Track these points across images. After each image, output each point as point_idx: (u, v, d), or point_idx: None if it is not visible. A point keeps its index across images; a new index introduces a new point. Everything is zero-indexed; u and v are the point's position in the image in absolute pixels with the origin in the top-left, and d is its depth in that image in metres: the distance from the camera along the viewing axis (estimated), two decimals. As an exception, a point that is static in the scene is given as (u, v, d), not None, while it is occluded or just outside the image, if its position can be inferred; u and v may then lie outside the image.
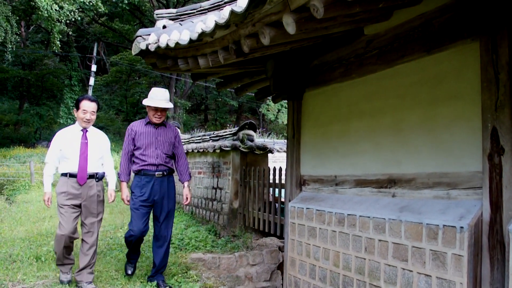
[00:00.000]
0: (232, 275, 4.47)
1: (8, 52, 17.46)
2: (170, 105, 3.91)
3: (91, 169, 3.60)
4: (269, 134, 19.24)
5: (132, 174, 3.94)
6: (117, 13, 24.90)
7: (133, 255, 3.96)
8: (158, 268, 3.85)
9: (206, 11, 3.84)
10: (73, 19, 18.10)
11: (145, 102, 3.86)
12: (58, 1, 15.50)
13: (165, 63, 3.85)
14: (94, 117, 3.68)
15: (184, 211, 7.43)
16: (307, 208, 3.71)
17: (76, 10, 16.85)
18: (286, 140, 4.44)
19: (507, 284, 2.09)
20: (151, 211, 3.88)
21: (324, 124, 3.76)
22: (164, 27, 3.90)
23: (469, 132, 2.42)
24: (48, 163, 3.66)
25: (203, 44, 3.17)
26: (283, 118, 21.81)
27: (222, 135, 6.30)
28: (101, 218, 3.74)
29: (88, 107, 3.63)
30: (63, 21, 16.66)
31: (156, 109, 3.83)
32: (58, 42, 17.60)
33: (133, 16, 26.21)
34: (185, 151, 5.98)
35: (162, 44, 3.41)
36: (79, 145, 3.59)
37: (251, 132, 5.82)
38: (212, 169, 6.38)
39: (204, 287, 4.10)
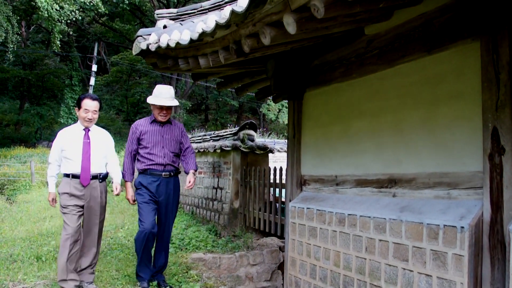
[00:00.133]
0: (232, 275, 4.47)
1: (9, 52, 17.49)
2: (176, 103, 3.84)
3: (94, 170, 3.52)
4: (270, 134, 19.25)
5: (136, 173, 3.88)
6: (117, 13, 24.90)
7: (144, 264, 3.71)
8: (158, 268, 3.85)
9: (207, 11, 3.83)
10: (74, 19, 18.10)
11: (150, 100, 3.79)
12: (58, 1, 15.51)
13: (165, 63, 3.85)
14: (96, 116, 3.59)
15: (184, 211, 7.43)
16: (307, 208, 3.71)
17: (77, 10, 16.85)
18: (286, 140, 4.44)
19: (508, 284, 2.09)
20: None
21: (325, 124, 3.76)
22: (164, 27, 3.90)
23: (470, 132, 2.42)
24: (51, 164, 3.60)
25: (203, 44, 3.17)
26: (284, 118, 21.81)
27: (223, 135, 6.30)
28: (104, 219, 3.67)
29: (90, 106, 3.54)
30: (63, 21, 16.66)
31: (161, 107, 3.78)
32: (58, 42, 17.62)
33: (134, 16, 26.22)
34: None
35: (163, 44, 3.41)
36: (81, 145, 3.50)
37: (251, 132, 5.83)
38: (212, 169, 6.38)
39: (205, 287, 4.10)
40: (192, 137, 7.72)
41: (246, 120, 7.07)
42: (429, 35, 2.65)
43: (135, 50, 3.85)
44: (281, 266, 4.79)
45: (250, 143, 5.69)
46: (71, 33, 22.49)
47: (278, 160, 8.73)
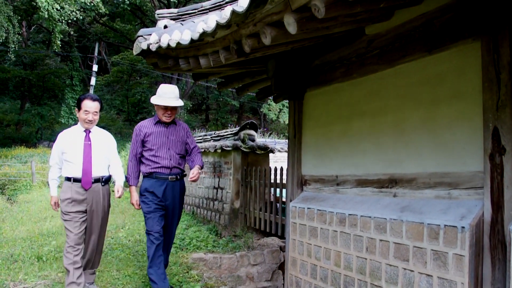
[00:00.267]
0: (233, 275, 4.48)
1: (10, 52, 17.51)
2: (181, 103, 3.74)
3: (96, 173, 3.41)
4: (270, 134, 19.22)
5: (141, 177, 3.78)
6: (118, 13, 24.92)
7: (157, 272, 3.53)
8: (159, 268, 3.85)
9: (207, 11, 3.83)
10: (74, 19, 18.13)
11: (154, 100, 3.69)
12: (59, 1, 15.53)
13: (166, 63, 3.84)
14: (97, 117, 3.48)
15: (185, 211, 7.44)
16: (308, 208, 3.71)
17: (77, 11, 16.87)
18: (287, 140, 4.43)
19: (508, 284, 2.09)
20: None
21: (325, 124, 3.76)
22: (165, 27, 3.90)
23: (470, 132, 2.42)
24: (52, 167, 3.49)
25: (204, 44, 3.17)
26: (285, 118, 21.80)
27: (223, 135, 6.30)
28: (106, 223, 3.60)
29: (90, 107, 3.43)
30: (64, 21, 16.70)
31: (166, 108, 3.68)
32: (59, 42, 17.66)
33: (134, 16, 26.24)
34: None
35: (164, 44, 3.41)
36: (82, 147, 3.39)
37: (252, 132, 5.83)
38: (213, 169, 6.38)
39: (205, 287, 4.10)
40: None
41: (246, 120, 7.07)
42: (429, 35, 2.65)
43: (135, 50, 3.85)
44: (281, 266, 4.79)
45: (251, 143, 5.69)
46: (71, 33, 22.55)
47: (278, 160, 8.73)
